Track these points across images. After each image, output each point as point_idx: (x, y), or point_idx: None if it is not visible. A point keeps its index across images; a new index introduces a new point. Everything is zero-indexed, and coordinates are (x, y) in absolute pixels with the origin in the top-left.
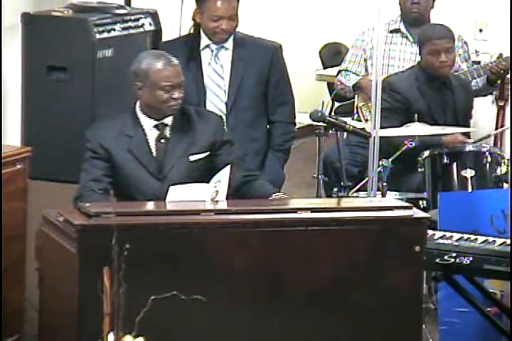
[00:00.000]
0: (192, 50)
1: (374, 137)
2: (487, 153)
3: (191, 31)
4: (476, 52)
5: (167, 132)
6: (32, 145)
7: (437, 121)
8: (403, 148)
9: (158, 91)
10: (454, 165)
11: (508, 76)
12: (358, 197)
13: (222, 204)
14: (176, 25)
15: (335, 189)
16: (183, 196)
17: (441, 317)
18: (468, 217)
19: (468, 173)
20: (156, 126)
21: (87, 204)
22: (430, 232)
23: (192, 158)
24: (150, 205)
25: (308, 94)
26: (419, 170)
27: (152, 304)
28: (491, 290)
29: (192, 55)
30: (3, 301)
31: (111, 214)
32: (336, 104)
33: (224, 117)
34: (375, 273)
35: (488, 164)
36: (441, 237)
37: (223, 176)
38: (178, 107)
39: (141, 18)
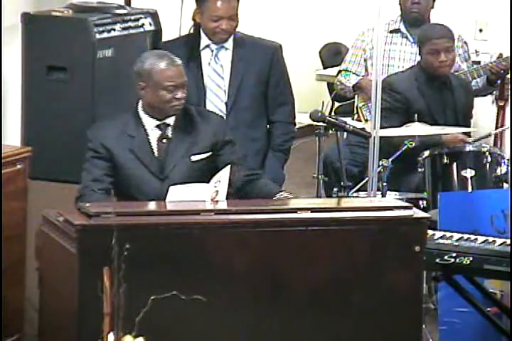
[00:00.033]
0: (192, 50)
1: (374, 137)
2: (487, 153)
3: (191, 31)
4: (476, 52)
5: (169, 132)
6: (32, 145)
7: (437, 121)
8: (403, 148)
9: (161, 91)
10: (454, 165)
11: (508, 76)
12: (358, 197)
13: (222, 204)
14: (176, 25)
15: (335, 189)
16: (183, 196)
17: (441, 317)
18: (468, 217)
19: (468, 173)
20: (158, 126)
21: (87, 204)
22: (430, 232)
23: (194, 158)
24: (150, 205)
25: (308, 94)
26: (419, 170)
27: (152, 304)
28: (491, 290)
29: (192, 55)
30: (3, 301)
31: (111, 214)
32: (336, 104)
33: (224, 117)
34: (375, 273)
35: (488, 164)
36: (441, 237)
37: (223, 176)
38: (180, 107)
39: (141, 18)
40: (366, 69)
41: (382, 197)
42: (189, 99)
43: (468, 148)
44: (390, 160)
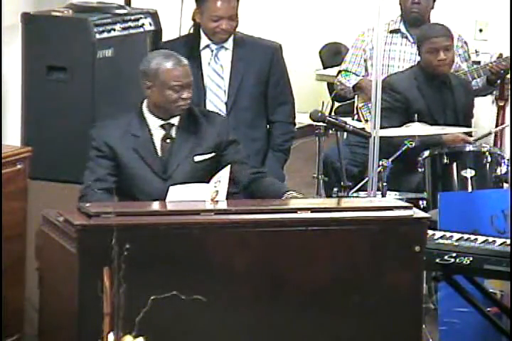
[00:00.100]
0: (192, 50)
1: (374, 137)
2: (487, 153)
3: (191, 31)
4: (476, 52)
5: (173, 132)
6: (32, 145)
7: (437, 121)
8: (403, 148)
9: (168, 91)
10: (454, 165)
11: (508, 76)
12: (358, 197)
13: (222, 204)
14: (176, 25)
15: (335, 189)
16: (183, 196)
17: (441, 317)
18: (468, 217)
19: (468, 173)
20: (162, 126)
21: (87, 204)
22: (430, 232)
23: (197, 158)
24: (150, 205)
25: (308, 94)
26: (419, 170)
27: (152, 304)
28: (491, 290)
29: (192, 55)
30: (3, 301)
31: (111, 214)
32: (336, 104)
33: None
34: (375, 273)
35: (488, 164)
36: (441, 237)
37: (223, 176)
38: (186, 107)
39: (141, 18)
40: (366, 70)
41: (382, 197)
42: None
43: (468, 148)
44: (390, 160)
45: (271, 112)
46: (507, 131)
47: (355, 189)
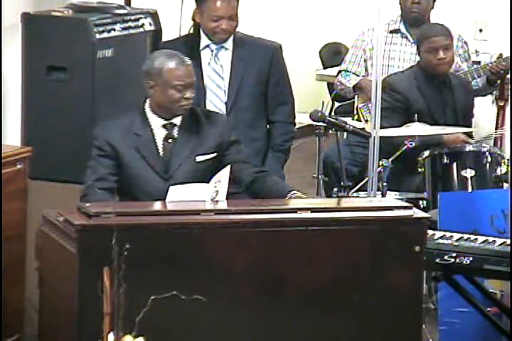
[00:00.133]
0: (192, 50)
1: (374, 137)
2: (487, 153)
3: (191, 31)
4: (476, 52)
5: (175, 132)
6: (32, 145)
7: (437, 121)
8: (403, 148)
9: (171, 91)
10: (454, 165)
11: (508, 76)
12: (358, 197)
13: (222, 204)
14: (176, 25)
15: (335, 189)
16: (183, 196)
17: (441, 317)
18: (468, 217)
19: (468, 173)
20: (164, 126)
21: (87, 204)
22: (430, 232)
23: (198, 158)
24: (150, 205)
25: (308, 94)
26: (419, 170)
27: (152, 304)
28: (491, 290)
29: (192, 55)
30: (3, 301)
31: (111, 214)
32: (336, 104)
33: None
34: (375, 273)
35: (488, 164)
36: (441, 237)
37: (223, 176)
38: (189, 107)
39: (141, 18)
40: (366, 70)
41: (382, 197)
42: None
43: (468, 148)
44: (390, 160)
45: (271, 112)
46: (507, 131)
47: (355, 189)
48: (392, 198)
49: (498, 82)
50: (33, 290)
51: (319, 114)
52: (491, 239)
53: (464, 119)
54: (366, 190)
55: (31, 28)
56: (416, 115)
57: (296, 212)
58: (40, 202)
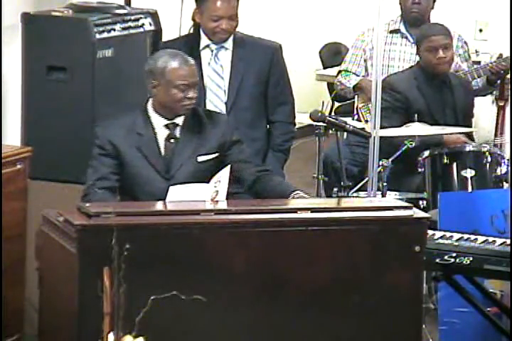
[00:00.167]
0: (192, 50)
1: (374, 137)
2: (487, 153)
3: (191, 31)
4: (476, 52)
5: (177, 132)
6: (32, 145)
7: (437, 121)
8: (403, 148)
9: (173, 90)
10: (454, 165)
11: (508, 76)
12: (358, 197)
13: (222, 204)
14: (176, 25)
15: (335, 189)
16: (183, 196)
17: (441, 317)
18: (468, 217)
19: (468, 173)
20: (166, 126)
21: (87, 204)
22: (430, 232)
23: (200, 158)
24: (150, 205)
25: (309, 94)
26: (419, 170)
27: (152, 304)
28: (491, 290)
29: (192, 55)
30: (3, 301)
31: (111, 214)
32: (336, 104)
33: None
34: (375, 273)
35: (488, 164)
36: (441, 237)
37: (223, 176)
38: (191, 107)
39: (141, 18)
40: (366, 70)
41: (382, 197)
42: None
43: (468, 148)
44: (390, 160)
45: (271, 112)
46: (507, 131)
47: (355, 189)
48: (392, 198)
49: (498, 82)
50: (33, 290)
51: (319, 114)
52: (491, 239)
53: (464, 119)
54: (366, 190)
55: (31, 28)
56: (416, 115)
57: (296, 212)
58: (40, 202)
